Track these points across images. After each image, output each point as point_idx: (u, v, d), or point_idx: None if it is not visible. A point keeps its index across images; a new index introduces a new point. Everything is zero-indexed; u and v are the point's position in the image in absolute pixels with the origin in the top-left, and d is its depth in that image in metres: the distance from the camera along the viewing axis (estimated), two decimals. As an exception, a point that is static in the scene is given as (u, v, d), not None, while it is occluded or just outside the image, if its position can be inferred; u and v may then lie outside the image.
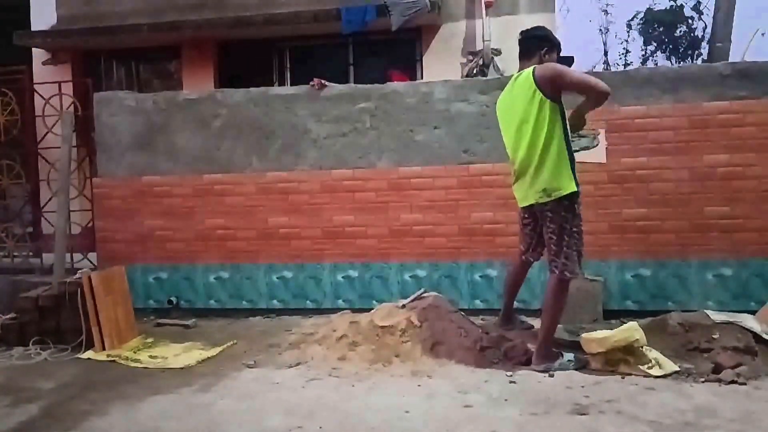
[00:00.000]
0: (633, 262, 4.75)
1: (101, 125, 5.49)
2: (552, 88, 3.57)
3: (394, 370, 3.76)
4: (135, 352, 4.37)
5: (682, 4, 20.22)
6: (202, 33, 8.02)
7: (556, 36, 3.88)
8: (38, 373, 4.01)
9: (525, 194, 3.76)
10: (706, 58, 15.23)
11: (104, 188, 5.49)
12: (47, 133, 6.35)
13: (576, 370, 3.61)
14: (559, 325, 4.39)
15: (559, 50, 3.84)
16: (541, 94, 3.57)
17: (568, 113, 3.67)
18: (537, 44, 3.77)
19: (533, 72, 3.61)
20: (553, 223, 3.66)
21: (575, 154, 3.72)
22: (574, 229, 3.64)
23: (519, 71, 3.79)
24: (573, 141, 3.76)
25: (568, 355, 3.73)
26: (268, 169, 5.24)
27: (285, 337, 4.55)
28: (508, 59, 7.46)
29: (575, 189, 3.60)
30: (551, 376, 3.55)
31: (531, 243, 3.97)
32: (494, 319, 4.57)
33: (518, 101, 3.70)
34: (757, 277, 4.60)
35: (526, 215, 3.91)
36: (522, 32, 3.88)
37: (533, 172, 3.64)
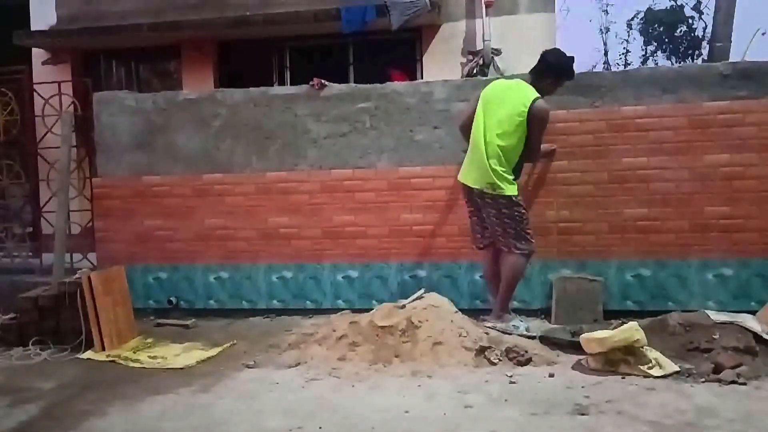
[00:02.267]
0: (633, 262, 4.74)
1: (101, 125, 5.48)
2: (528, 120, 4.13)
3: (394, 370, 3.76)
4: (135, 353, 4.37)
5: (682, 4, 20.22)
6: (202, 33, 8.02)
7: (570, 63, 4.29)
8: (38, 373, 4.01)
9: (476, 178, 4.26)
10: (706, 58, 15.22)
11: (104, 188, 5.48)
12: (47, 133, 6.36)
13: (528, 337, 4.13)
14: (559, 326, 4.41)
15: (568, 77, 4.32)
16: (525, 120, 4.11)
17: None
18: (549, 72, 4.26)
19: (534, 102, 4.10)
20: (493, 209, 4.25)
21: None
22: (515, 214, 4.21)
23: (529, 81, 4.26)
24: None
25: (522, 323, 4.30)
26: (268, 169, 5.24)
27: (285, 337, 4.54)
28: (508, 59, 7.48)
29: (515, 194, 4.21)
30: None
31: (482, 229, 4.44)
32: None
33: (508, 103, 4.16)
34: (757, 277, 4.59)
35: (471, 207, 4.44)
36: (546, 51, 4.36)
37: (489, 165, 4.15)
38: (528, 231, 4.26)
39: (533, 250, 4.30)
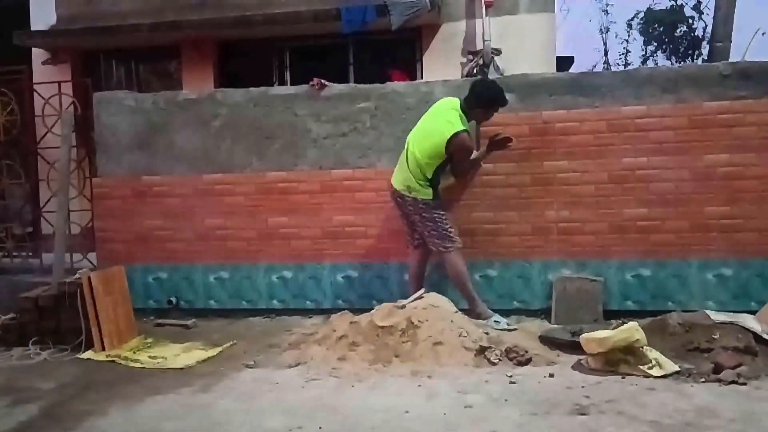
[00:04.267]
0: (633, 262, 4.74)
1: (101, 125, 5.48)
2: (448, 151, 4.36)
3: (394, 370, 3.76)
4: (135, 353, 4.37)
5: (682, 4, 20.19)
6: (202, 33, 8.02)
7: (500, 92, 4.49)
8: (38, 373, 4.01)
9: (398, 179, 4.57)
10: (706, 58, 15.21)
11: (104, 188, 5.48)
12: (47, 132, 6.36)
13: (507, 330, 4.34)
14: (559, 326, 4.41)
15: (500, 104, 4.51)
16: (443, 148, 4.35)
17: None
18: (478, 102, 4.47)
19: (453, 135, 4.30)
20: (414, 213, 4.54)
21: None
22: (435, 216, 4.47)
23: (463, 107, 4.46)
24: None
25: (502, 319, 4.50)
26: (268, 169, 5.23)
27: (285, 337, 4.55)
28: (508, 59, 7.48)
29: (430, 197, 4.47)
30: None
31: (411, 231, 4.69)
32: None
33: (434, 127, 4.43)
34: (757, 277, 4.59)
35: (398, 209, 4.68)
36: (475, 82, 4.68)
37: (409, 170, 4.47)
38: (450, 230, 4.50)
39: (458, 246, 4.52)
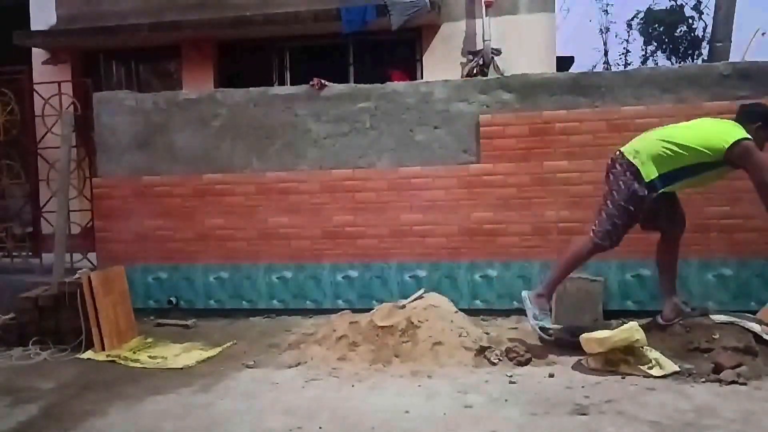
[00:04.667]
0: (633, 262, 4.74)
1: (101, 125, 5.48)
2: (733, 158, 3.62)
3: (394, 370, 3.75)
4: (135, 353, 4.37)
5: (682, 4, 20.23)
6: (202, 33, 8.02)
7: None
8: (38, 373, 4.01)
9: (633, 145, 3.86)
10: (706, 58, 15.22)
11: (104, 188, 5.48)
12: (47, 133, 6.36)
13: (546, 336, 3.90)
14: (559, 325, 4.40)
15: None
16: (725, 148, 3.58)
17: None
18: (755, 117, 3.76)
19: (739, 139, 3.58)
20: (609, 185, 3.87)
21: None
22: (620, 202, 3.79)
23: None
24: None
25: (548, 321, 3.97)
26: (268, 169, 5.24)
27: (285, 337, 4.55)
28: (508, 59, 7.48)
29: (651, 177, 3.70)
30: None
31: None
32: (497, 320, 4.57)
33: (718, 125, 3.76)
34: (757, 277, 4.59)
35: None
36: (748, 105, 3.93)
37: (649, 147, 3.76)
38: (619, 227, 3.82)
39: (605, 246, 3.88)
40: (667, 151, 3.69)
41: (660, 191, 3.73)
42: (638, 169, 3.72)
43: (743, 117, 3.79)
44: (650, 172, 3.70)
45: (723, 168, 3.71)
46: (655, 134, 3.84)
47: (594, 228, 3.89)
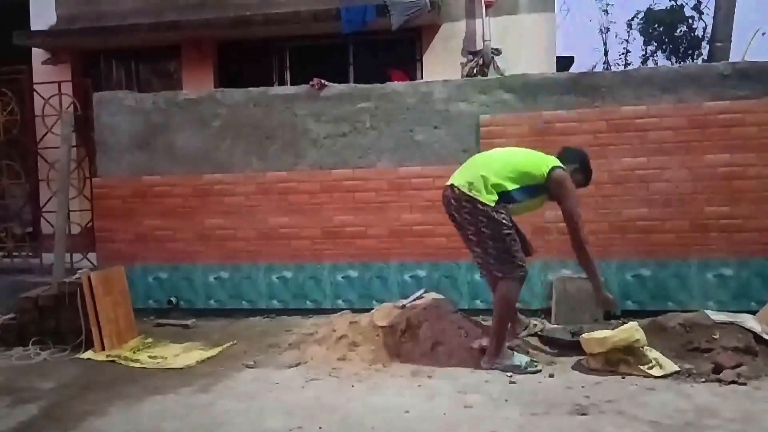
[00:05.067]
0: (633, 262, 4.74)
1: (101, 125, 5.48)
2: (550, 186, 3.71)
3: (394, 370, 3.75)
4: (135, 353, 4.37)
5: (682, 4, 20.20)
6: (202, 33, 8.02)
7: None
8: (38, 373, 4.01)
9: (463, 177, 3.76)
10: (706, 58, 15.22)
11: (104, 188, 5.48)
12: (47, 133, 6.36)
13: (531, 373, 3.59)
14: (559, 326, 4.41)
15: (588, 179, 4.02)
16: (545, 177, 3.67)
17: None
18: (574, 158, 3.91)
19: (554, 169, 3.68)
20: (470, 225, 3.69)
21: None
22: (496, 227, 3.61)
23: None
24: None
25: (523, 359, 3.71)
26: (268, 169, 5.24)
27: (285, 337, 4.54)
28: (508, 59, 7.48)
29: (493, 204, 3.61)
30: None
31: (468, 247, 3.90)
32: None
33: (530, 156, 3.81)
34: (757, 277, 4.59)
35: (451, 218, 3.89)
36: (569, 149, 4.02)
37: (477, 175, 3.68)
38: (515, 252, 3.64)
39: (522, 275, 3.67)
40: (503, 176, 3.66)
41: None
42: (481, 200, 3.62)
43: (563, 157, 3.88)
44: (491, 198, 3.62)
45: (544, 195, 3.77)
46: (480, 162, 3.82)
47: (498, 273, 3.68)
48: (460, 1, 7.89)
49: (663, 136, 4.67)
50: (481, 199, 3.62)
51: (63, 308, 4.52)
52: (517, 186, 3.69)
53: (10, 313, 4.76)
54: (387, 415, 3.10)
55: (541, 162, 3.75)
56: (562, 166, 3.76)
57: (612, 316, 4.42)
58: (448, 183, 3.82)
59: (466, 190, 3.67)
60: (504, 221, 3.63)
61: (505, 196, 3.66)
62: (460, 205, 3.70)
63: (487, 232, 3.63)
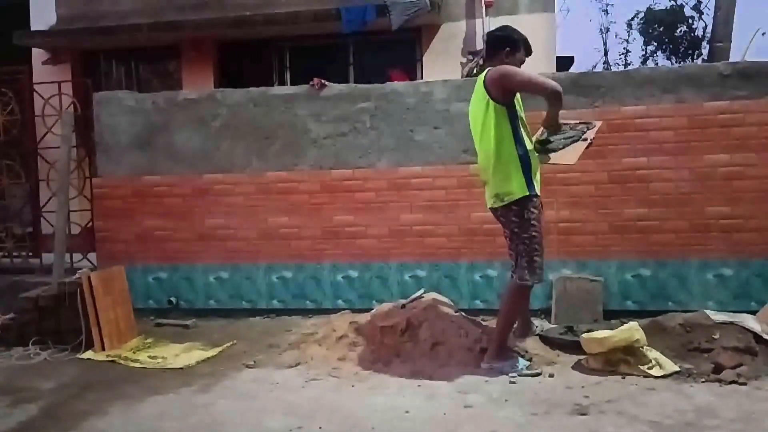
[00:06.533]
0: (633, 262, 4.74)
1: (101, 125, 5.48)
2: (500, 90, 3.53)
3: (394, 370, 3.75)
4: (134, 353, 4.37)
5: (682, 4, 20.19)
6: (202, 33, 8.02)
7: (521, 34, 3.76)
8: (38, 373, 4.01)
9: (487, 197, 3.76)
10: (706, 58, 15.21)
11: (104, 188, 5.48)
12: (47, 132, 6.35)
13: (531, 376, 3.56)
14: (559, 326, 4.40)
15: (526, 48, 3.71)
16: (488, 97, 3.54)
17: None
18: (499, 45, 3.68)
19: (485, 75, 3.59)
20: (506, 228, 3.70)
21: (558, 153, 3.66)
22: (525, 236, 3.58)
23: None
24: (555, 140, 3.68)
25: (523, 362, 3.69)
26: (268, 169, 5.24)
27: (285, 337, 4.55)
28: (508, 59, 7.47)
29: (526, 193, 3.54)
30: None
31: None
32: (494, 320, 4.57)
33: (476, 105, 3.71)
34: (757, 277, 4.59)
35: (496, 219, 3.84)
36: (487, 33, 3.78)
37: (490, 176, 3.65)
38: (536, 258, 3.59)
39: (535, 282, 3.67)
40: (502, 160, 3.55)
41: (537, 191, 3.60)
42: (511, 201, 3.56)
43: (490, 51, 3.70)
44: (516, 188, 3.54)
45: (514, 106, 3.58)
46: (482, 168, 3.73)
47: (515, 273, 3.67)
48: (460, 1, 7.89)
49: (663, 136, 4.67)
50: (515, 197, 3.54)
51: (63, 308, 4.52)
52: (512, 142, 3.52)
53: (10, 313, 4.76)
54: (387, 415, 3.10)
55: (483, 98, 3.57)
56: (490, 67, 3.57)
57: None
58: (488, 207, 3.77)
59: (500, 204, 3.62)
60: (534, 222, 3.56)
61: (524, 162, 3.52)
62: (508, 220, 3.64)
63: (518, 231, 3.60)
